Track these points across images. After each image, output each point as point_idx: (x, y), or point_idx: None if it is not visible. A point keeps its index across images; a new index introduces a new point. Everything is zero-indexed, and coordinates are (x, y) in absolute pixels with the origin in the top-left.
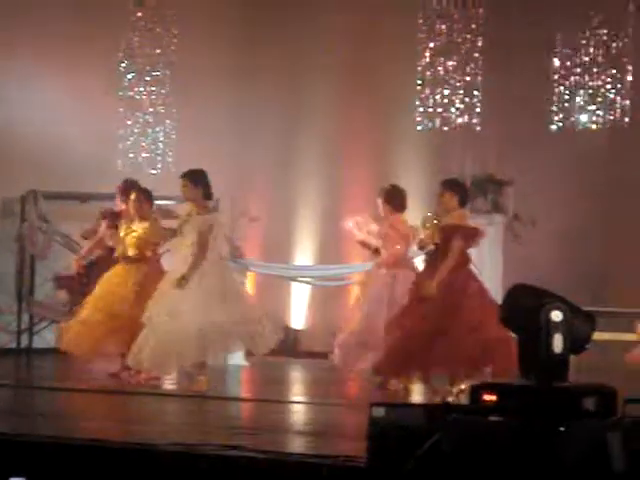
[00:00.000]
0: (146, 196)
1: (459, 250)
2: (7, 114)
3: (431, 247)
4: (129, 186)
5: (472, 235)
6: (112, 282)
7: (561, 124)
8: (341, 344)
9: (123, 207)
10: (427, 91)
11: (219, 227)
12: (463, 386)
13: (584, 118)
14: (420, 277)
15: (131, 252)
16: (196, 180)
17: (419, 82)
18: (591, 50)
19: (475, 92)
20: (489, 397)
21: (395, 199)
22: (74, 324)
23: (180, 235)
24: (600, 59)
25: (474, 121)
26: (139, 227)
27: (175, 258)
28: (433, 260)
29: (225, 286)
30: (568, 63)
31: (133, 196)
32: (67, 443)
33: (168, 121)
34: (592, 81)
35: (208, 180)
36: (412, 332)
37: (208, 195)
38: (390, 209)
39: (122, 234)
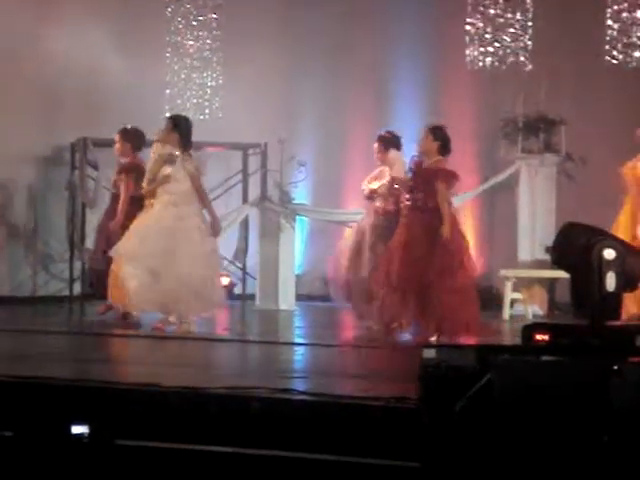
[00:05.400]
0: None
1: (444, 192)
2: (55, 63)
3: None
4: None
5: (451, 178)
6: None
7: (614, 61)
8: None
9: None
10: (477, 29)
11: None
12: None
13: (638, 54)
14: (413, 220)
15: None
16: (175, 124)
17: (469, 20)
18: None
19: (526, 29)
20: (541, 337)
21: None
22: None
23: (169, 182)
24: None
25: (525, 59)
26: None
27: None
28: (415, 202)
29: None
30: None
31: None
32: (122, 388)
33: (215, 66)
34: None
35: (189, 129)
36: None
37: (186, 143)
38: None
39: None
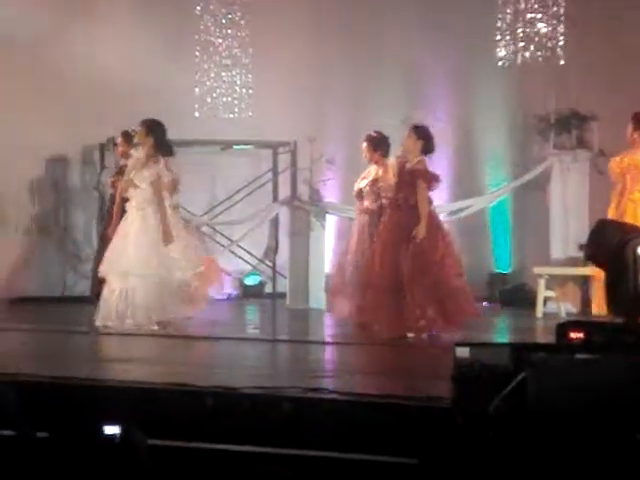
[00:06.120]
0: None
1: (424, 191)
2: (85, 62)
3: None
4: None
5: (432, 179)
6: None
7: None
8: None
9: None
10: (508, 24)
11: (165, 177)
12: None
13: None
14: (392, 219)
15: None
16: (149, 128)
17: (500, 15)
18: None
19: (558, 24)
20: (575, 335)
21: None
22: None
23: (134, 186)
24: None
25: (557, 55)
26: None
27: (128, 208)
28: (396, 201)
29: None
30: None
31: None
32: (154, 388)
33: (245, 64)
34: None
35: (163, 132)
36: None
37: (161, 147)
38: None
39: None
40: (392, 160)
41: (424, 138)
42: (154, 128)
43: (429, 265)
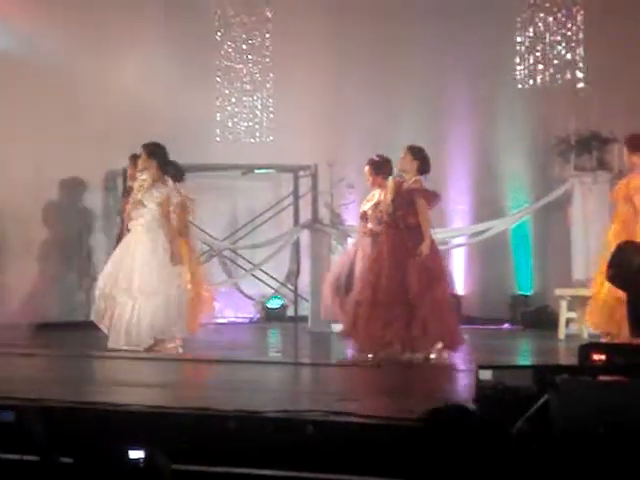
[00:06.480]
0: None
1: (425, 209)
2: (107, 89)
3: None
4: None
5: (431, 196)
6: None
7: None
8: None
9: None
10: (527, 47)
11: (174, 198)
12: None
13: None
14: (391, 239)
15: None
16: (150, 152)
17: (519, 39)
18: None
19: (577, 46)
20: (598, 356)
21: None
22: None
23: (142, 206)
24: None
25: (577, 77)
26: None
27: (133, 226)
28: (395, 221)
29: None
30: None
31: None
32: (177, 412)
33: (265, 89)
34: None
35: (165, 154)
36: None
37: (164, 168)
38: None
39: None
40: (389, 181)
41: (420, 158)
42: (155, 151)
43: (435, 280)
